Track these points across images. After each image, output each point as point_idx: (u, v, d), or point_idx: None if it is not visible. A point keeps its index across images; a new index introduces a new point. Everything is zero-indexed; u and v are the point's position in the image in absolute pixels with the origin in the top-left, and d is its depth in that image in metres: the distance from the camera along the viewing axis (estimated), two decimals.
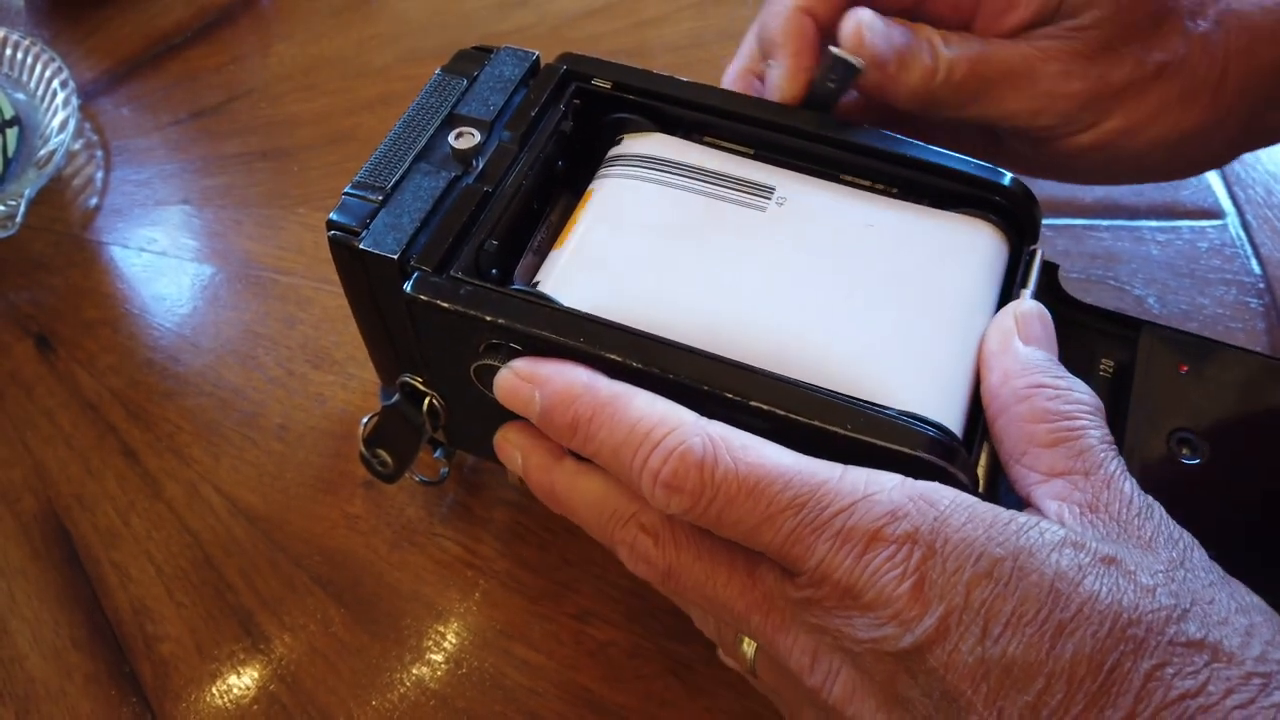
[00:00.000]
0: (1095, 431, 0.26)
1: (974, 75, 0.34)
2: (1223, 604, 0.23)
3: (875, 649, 0.24)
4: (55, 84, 0.55)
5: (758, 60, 0.37)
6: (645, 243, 0.32)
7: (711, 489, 0.26)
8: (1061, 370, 0.28)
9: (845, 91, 0.34)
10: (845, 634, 0.25)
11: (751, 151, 0.35)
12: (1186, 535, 0.25)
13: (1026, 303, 0.30)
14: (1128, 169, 0.38)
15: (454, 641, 0.39)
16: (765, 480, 0.25)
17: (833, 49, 0.33)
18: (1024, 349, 0.28)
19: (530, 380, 0.29)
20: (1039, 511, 0.26)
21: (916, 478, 0.26)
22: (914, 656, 0.24)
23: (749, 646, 0.30)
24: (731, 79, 0.39)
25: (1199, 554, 0.25)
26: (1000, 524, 0.24)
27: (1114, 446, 0.27)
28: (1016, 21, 0.35)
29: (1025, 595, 0.23)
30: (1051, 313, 0.31)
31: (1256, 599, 0.24)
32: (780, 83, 0.35)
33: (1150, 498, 0.26)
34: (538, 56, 0.37)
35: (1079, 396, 0.27)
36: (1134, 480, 0.26)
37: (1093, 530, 0.25)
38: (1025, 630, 0.23)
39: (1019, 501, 0.27)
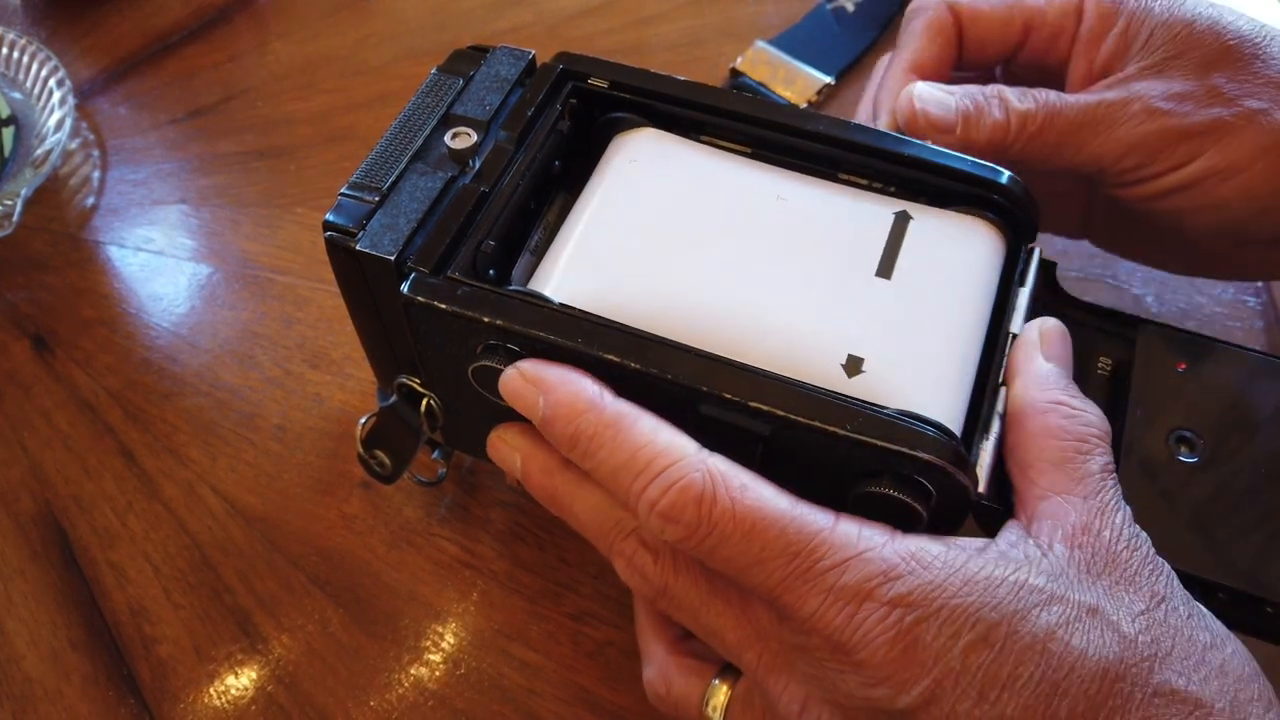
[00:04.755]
0: (1101, 459, 0.27)
1: (1051, 125, 0.34)
2: (1198, 639, 0.25)
3: (867, 706, 0.25)
4: (52, 83, 0.55)
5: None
6: (642, 242, 0.32)
7: (708, 525, 0.26)
8: (1078, 391, 0.29)
9: None
10: (838, 688, 0.25)
11: (749, 150, 0.35)
12: (1166, 566, 0.26)
13: (1050, 320, 0.30)
14: (1212, 222, 0.35)
15: (452, 642, 0.39)
16: (761, 524, 0.25)
17: None
18: (1044, 364, 0.29)
19: (536, 384, 0.29)
20: (1031, 526, 0.27)
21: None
22: (908, 717, 0.24)
23: (715, 712, 0.30)
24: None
25: (1177, 585, 0.26)
26: (992, 587, 0.24)
27: (1115, 475, 0.27)
28: (1104, 60, 0.36)
29: (1021, 658, 0.24)
30: (1049, 311, 0.31)
31: (1221, 627, 0.26)
32: None
33: (1139, 529, 0.27)
34: (534, 56, 0.36)
35: (1091, 419, 0.28)
36: (1127, 510, 0.27)
37: (1080, 556, 0.25)
38: (1022, 692, 0.23)
39: (1010, 509, 0.28)
